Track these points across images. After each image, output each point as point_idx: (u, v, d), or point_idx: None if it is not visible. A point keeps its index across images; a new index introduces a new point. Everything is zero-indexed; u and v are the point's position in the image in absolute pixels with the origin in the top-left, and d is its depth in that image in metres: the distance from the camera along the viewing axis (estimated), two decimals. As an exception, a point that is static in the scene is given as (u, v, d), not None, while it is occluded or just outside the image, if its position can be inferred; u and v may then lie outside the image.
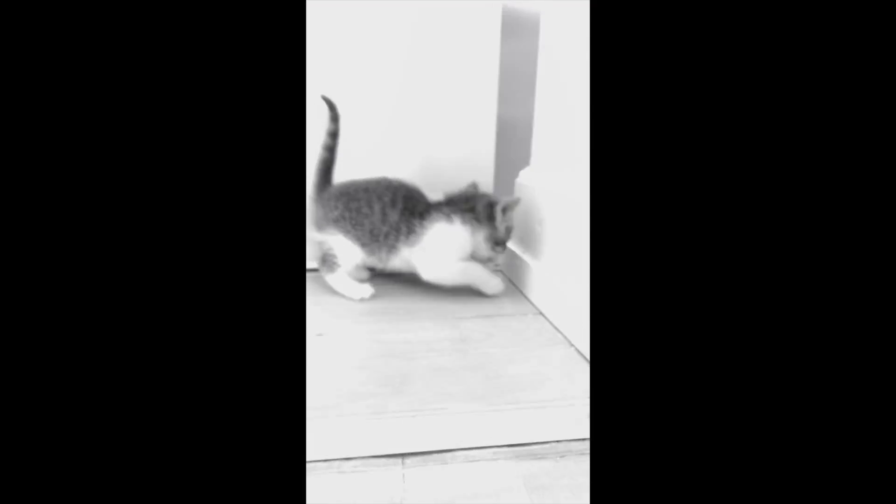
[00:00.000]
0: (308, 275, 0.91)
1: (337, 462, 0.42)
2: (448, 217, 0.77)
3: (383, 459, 0.42)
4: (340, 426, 0.46)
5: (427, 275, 0.78)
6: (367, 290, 0.80)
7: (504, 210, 0.79)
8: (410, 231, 0.77)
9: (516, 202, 0.81)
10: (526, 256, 0.84)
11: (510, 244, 0.90)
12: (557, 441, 0.45)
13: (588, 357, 0.61)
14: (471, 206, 0.79)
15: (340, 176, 0.84)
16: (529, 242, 0.84)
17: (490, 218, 0.79)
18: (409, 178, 0.92)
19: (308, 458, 0.42)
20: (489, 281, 0.80)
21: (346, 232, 0.78)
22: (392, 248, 0.78)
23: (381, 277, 0.90)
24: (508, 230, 0.81)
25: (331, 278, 0.81)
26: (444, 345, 0.65)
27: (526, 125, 0.88)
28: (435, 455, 0.43)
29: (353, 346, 0.64)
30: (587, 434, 0.46)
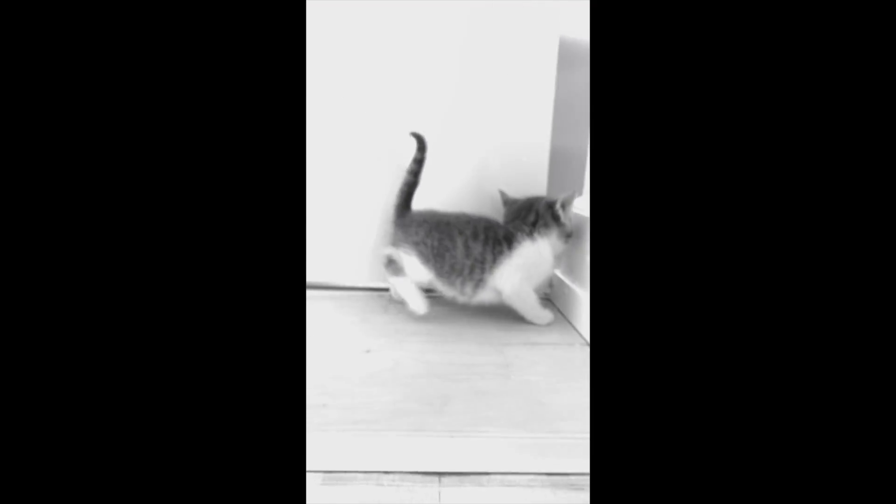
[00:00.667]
0: (356, 293, 0.94)
1: (376, 475, 0.43)
2: (531, 236, 0.79)
3: (421, 476, 0.43)
4: (382, 441, 0.48)
5: (510, 291, 0.79)
6: (425, 305, 0.81)
7: (564, 206, 0.81)
8: (497, 258, 0.78)
9: (573, 195, 0.82)
10: (574, 286, 0.84)
11: (559, 273, 0.90)
12: (596, 474, 0.45)
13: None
14: (534, 215, 0.81)
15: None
16: (579, 272, 0.84)
17: (555, 218, 0.81)
18: (461, 206, 0.95)
19: (348, 468, 0.44)
20: (541, 313, 0.82)
21: (425, 258, 0.80)
22: (479, 282, 0.79)
23: (429, 300, 0.92)
24: (571, 221, 0.83)
25: (396, 281, 0.83)
26: (487, 369, 0.65)
27: (581, 155, 0.89)
28: (472, 476, 0.44)
29: (398, 365, 0.65)
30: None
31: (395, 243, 0.83)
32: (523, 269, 0.79)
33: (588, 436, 0.50)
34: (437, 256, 0.79)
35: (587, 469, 0.45)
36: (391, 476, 0.43)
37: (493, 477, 0.44)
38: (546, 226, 0.81)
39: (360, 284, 0.96)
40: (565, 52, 0.94)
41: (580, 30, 0.93)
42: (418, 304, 0.81)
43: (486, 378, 0.63)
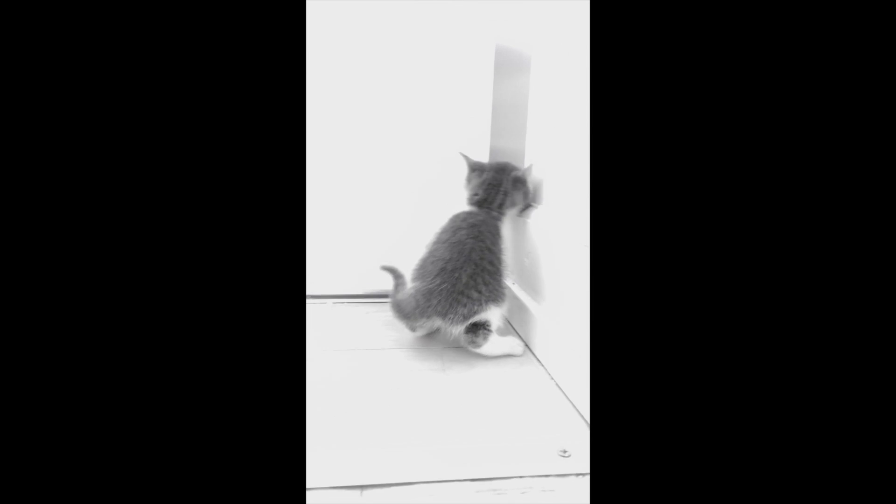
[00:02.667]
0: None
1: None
2: (496, 301, 0.71)
3: (342, 490, 0.42)
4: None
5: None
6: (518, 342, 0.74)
7: (527, 175, 0.80)
8: (475, 343, 0.71)
9: (531, 168, 0.81)
10: (516, 289, 0.84)
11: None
12: (520, 477, 0.45)
13: (565, 390, 0.60)
14: (502, 195, 0.77)
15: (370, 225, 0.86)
16: (520, 276, 0.85)
17: (522, 182, 0.79)
18: (402, 211, 0.95)
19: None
20: (512, 343, 0.74)
21: (494, 298, 0.71)
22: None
23: (375, 305, 0.90)
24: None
25: (485, 349, 0.70)
26: (423, 374, 0.65)
27: (519, 155, 0.90)
28: (395, 487, 0.43)
29: (330, 376, 0.64)
30: (553, 471, 0.46)
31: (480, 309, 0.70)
32: (495, 331, 0.71)
33: (505, 441, 0.51)
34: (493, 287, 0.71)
35: (510, 473, 0.45)
36: (312, 493, 0.42)
37: (416, 486, 0.43)
38: (513, 203, 0.79)
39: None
40: (501, 58, 0.96)
41: (514, 37, 0.94)
42: (516, 343, 0.74)
43: (421, 384, 0.62)
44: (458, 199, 0.91)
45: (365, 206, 0.94)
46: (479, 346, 0.69)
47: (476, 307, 0.68)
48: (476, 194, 0.78)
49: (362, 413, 0.55)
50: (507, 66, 0.95)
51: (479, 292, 0.69)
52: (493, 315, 0.70)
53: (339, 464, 0.45)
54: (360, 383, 0.62)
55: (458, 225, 0.73)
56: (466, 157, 0.83)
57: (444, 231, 0.75)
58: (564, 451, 0.48)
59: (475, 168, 0.82)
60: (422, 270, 0.73)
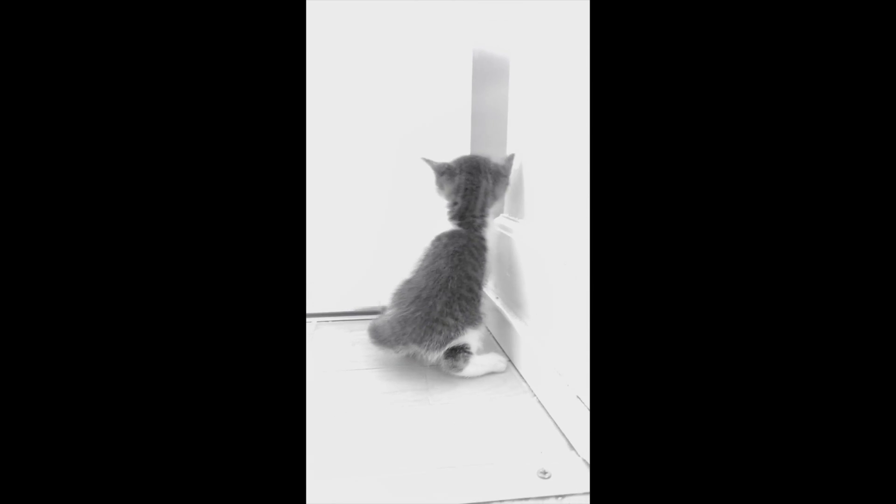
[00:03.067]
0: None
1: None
2: (474, 324, 0.71)
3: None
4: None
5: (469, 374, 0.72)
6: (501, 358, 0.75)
7: (508, 165, 0.79)
8: (455, 367, 0.70)
9: (511, 158, 0.80)
10: (498, 303, 0.84)
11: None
12: (500, 502, 0.45)
13: (547, 407, 0.60)
14: (483, 195, 0.75)
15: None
16: (502, 290, 0.85)
17: (503, 174, 0.78)
18: (386, 226, 0.94)
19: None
20: (495, 360, 0.74)
21: (471, 322, 0.70)
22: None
23: (353, 323, 0.90)
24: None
25: (469, 370, 0.70)
26: (406, 395, 0.65)
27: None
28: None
29: (307, 401, 0.64)
30: (533, 493, 0.46)
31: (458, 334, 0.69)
32: (475, 353, 0.71)
33: (494, 461, 0.51)
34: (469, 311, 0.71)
35: (489, 498, 0.45)
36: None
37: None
38: (496, 198, 0.76)
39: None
40: (479, 65, 0.95)
41: (492, 42, 0.94)
42: (499, 359, 0.74)
43: (403, 406, 0.62)
44: (439, 211, 0.91)
45: (346, 222, 0.94)
46: (460, 369, 0.69)
47: (453, 333, 0.68)
48: (455, 203, 0.75)
49: (342, 438, 0.54)
50: (487, 73, 0.95)
51: (456, 318, 0.68)
52: (472, 338, 0.70)
53: (315, 493, 0.45)
54: (341, 406, 0.61)
55: (439, 252, 0.71)
56: (430, 161, 0.78)
57: (426, 257, 0.74)
58: (544, 473, 0.48)
59: (443, 171, 0.77)
60: (399, 297, 0.72)
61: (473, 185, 0.74)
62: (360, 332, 0.86)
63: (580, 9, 0.55)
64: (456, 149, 0.95)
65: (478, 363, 0.70)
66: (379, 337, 0.71)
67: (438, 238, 0.74)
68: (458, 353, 0.69)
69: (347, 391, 0.66)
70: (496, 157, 0.79)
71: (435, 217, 0.93)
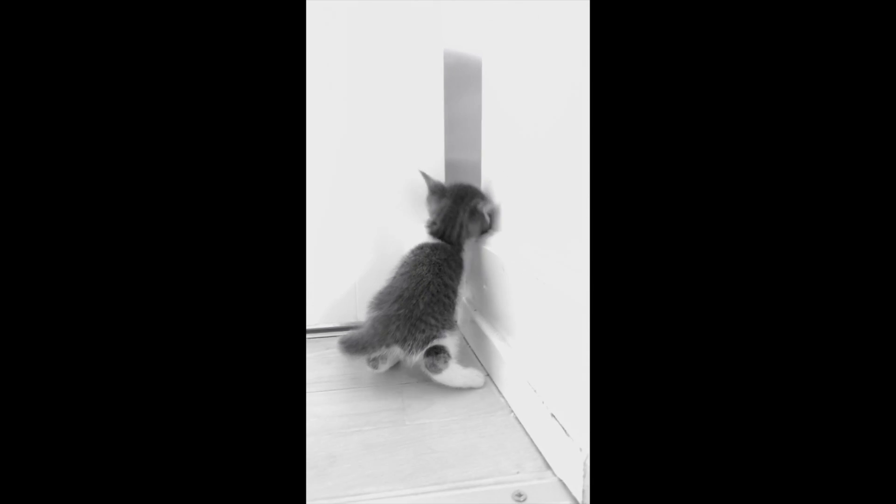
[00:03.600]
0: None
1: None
2: (452, 328, 0.72)
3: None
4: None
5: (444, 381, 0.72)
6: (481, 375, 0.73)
7: (483, 206, 0.78)
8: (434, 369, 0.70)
9: (488, 198, 0.80)
10: (477, 316, 0.84)
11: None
12: (475, 528, 0.44)
13: (524, 423, 0.60)
14: (459, 227, 0.77)
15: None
16: (480, 303, 0.84)
17: (480, 215, 0.78)
18: (363, 238, 0.93)
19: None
20: (472, 375, 0.73)
21: (449, 326, 0.72)
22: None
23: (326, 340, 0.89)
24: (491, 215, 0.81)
25: (446, 375, 0.69)
26: (382, 416, 0.63)
27: (475, 165, 0.89)
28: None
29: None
30: (507, 518, 0.45)
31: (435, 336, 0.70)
32: (454, 358, 0.71)
33: (475, 482, 0.50)
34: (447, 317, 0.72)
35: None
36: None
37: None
38: (469, 234, 0.79)
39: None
40: (450, 70, 0.95)
41: (464, 45, 0.93)
42: (478, 375, 0.73)
43: (379, 427, 0.61)
44: (418, 221, 0.90)
45: (321, 234, 0.91)
46: (439, 370, 0.69)
47: (434, 332, 0.69)
48: (434, 223, 0.79)
49: (315, 461, 0.53)
50: (460, 78, 0.94)
51: (436, 319, 0.69)
52: (450, 342, 0.70)
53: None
54: (314, 427, 0.60)
55: (421, 260, 0.74)
56: (427, 178, 0.83)
57: (405, 264, 0.75)
58: (520, 496, 0.47)
59: (435, 191, 0.82)
60: (379, 300, 0.72)
61: (452, 213, 0.78)
62: (333, 349, 0.85)
63: (551, 9, 0.56)
64: (431, 153, 0.93)
65: (456, 370, 0.70)
66: (357, 344, 0.69)
67: (421, 248, 0.76)
68: (438, 354, 0.69)
69: (321, 411, 0.64)
70: (494, 188, 0.80)
71: (403, 232, 0.92)
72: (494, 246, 0.76)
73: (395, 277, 0.74)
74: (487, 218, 0.80)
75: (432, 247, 0.76)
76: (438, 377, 0.69)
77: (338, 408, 0.66)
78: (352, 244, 0.92)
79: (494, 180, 0.80)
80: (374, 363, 0.74)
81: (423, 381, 0.73)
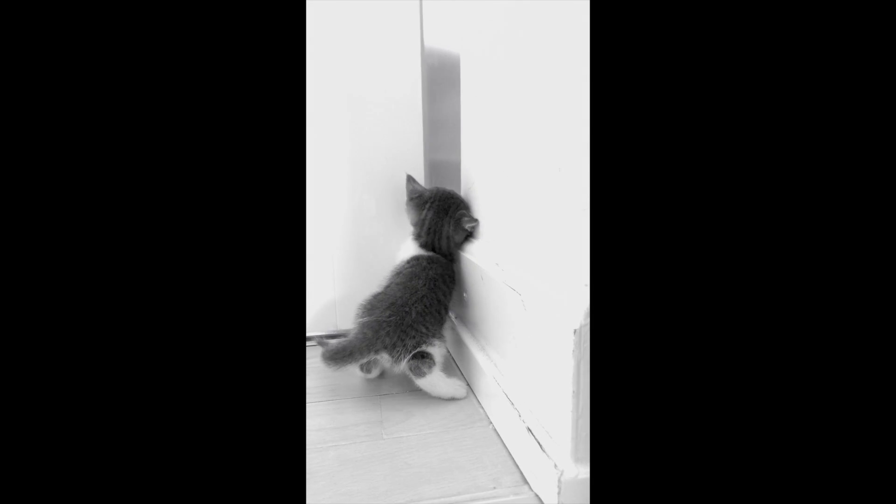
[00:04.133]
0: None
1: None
2: (441, 338, 0.72)
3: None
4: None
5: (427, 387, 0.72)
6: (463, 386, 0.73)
7: (468, 224, 0.78)
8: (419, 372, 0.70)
9: (472, 220, 0.79)
10: (458, 324, 0.83)
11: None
12: (449, 548, 0.43)
13: (502, 436, 0.59)
14: (445, 240, 0.78)
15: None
16: (461, 311, 0.83)
17: (462, 227, 0.78)
18: (343, 246, 0.91)
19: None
20: (454, 386, 0.72)
21: (438, 336, 0.72)
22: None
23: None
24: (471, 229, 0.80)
25: (429, 380, 0.69)
26: (359, 430, 0.63)
27: (455, 165, 0.88)
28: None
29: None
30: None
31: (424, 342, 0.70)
32: (438, 366, 0.71)
33: (451, 498, 0.49)
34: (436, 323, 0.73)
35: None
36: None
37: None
38: (457, 244, 0.79)
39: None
40: (434, 70, 0.94)
41: (447, 46, 0.93)
42: (457, 386, 0.72)
43: (356, 442, 0.60)
44: (398, 228, 0.89)
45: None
46: (423, 374, 0.68)
47: (423, 339, 0.69)
48: (419, 235, 0.79)
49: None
50: (444, 78, 0.93)
51: (427, 328, 0.69)
52: (437, 351, 0.70)
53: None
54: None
55: (417, 273, 0.74)
56: (412, 182, 0.83)
57: (400, 273, 0.75)
58: (496, 513, 0.47)
59: (413, 197, 0.81)
60: (371, 305, 0.72)
61: (436, 226, 0.79)
62: (311, 359, 0.84)
63: (530, 8, 0.55)
64: (411, 153, 0.92)
65: (440, 378, 0.70)
66: (343, 351, 0.67)
67: (417, 260, 0.76)
68: (423, 358, 0.69)
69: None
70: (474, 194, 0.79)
71: (384, 238, 0.91)
72: (475, 254, 0.75)
73: (388, 286, 0.74)
74: (468, 229, 0.79)
75: (428, 259, 0.76)
76: (421, 381, 0.69)
77: (315, 421, 0.65)
78: (329, 251, 0.91)
79: (474, 185, 0.80)
80: (366, 367, 0.73)
81: (403, 391, 0.72)
